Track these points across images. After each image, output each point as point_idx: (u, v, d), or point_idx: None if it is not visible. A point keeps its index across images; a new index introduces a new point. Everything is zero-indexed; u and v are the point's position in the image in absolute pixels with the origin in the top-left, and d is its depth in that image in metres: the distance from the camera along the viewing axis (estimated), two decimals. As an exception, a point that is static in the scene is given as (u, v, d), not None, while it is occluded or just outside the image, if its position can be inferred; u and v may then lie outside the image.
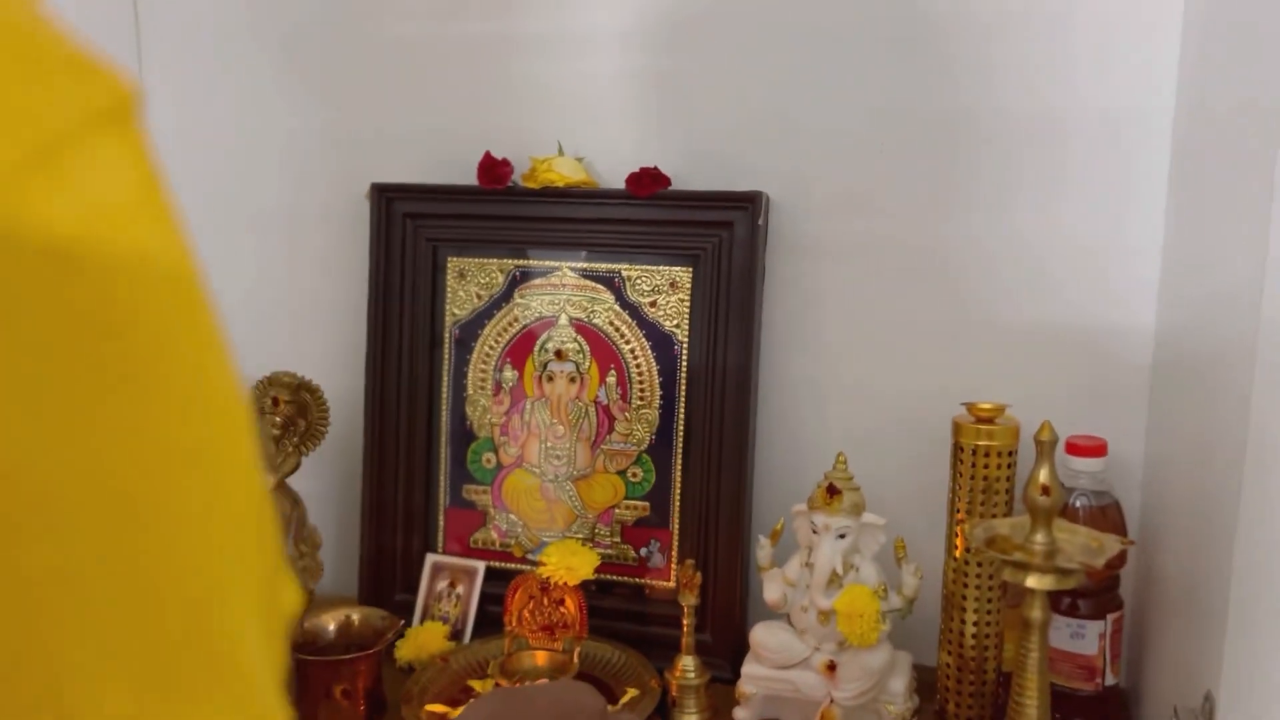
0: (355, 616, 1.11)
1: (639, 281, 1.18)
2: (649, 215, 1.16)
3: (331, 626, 1.10)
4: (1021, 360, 1.10)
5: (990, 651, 1.02)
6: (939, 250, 1.12)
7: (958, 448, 1.00)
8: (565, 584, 1.09)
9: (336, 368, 1.28)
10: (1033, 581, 0.85)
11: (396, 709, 1.05)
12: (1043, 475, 0.85)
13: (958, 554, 1.01)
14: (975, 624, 1.01)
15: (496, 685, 1.08)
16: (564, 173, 1.15)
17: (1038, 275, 1.10)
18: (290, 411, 1.20)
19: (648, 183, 1.13)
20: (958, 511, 1.01)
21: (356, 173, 1.24)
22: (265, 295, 1.32)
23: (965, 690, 1.02)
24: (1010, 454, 0.98)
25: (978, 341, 1.11)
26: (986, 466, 0.98)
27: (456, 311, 1.24)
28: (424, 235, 1.23)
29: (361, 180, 1.23)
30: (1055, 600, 1.00)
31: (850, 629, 0.98)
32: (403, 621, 1.09)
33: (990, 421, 0.98)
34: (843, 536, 1.01)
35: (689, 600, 1.06)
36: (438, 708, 1.05)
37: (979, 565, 1.00)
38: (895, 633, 1.03)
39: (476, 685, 1.10)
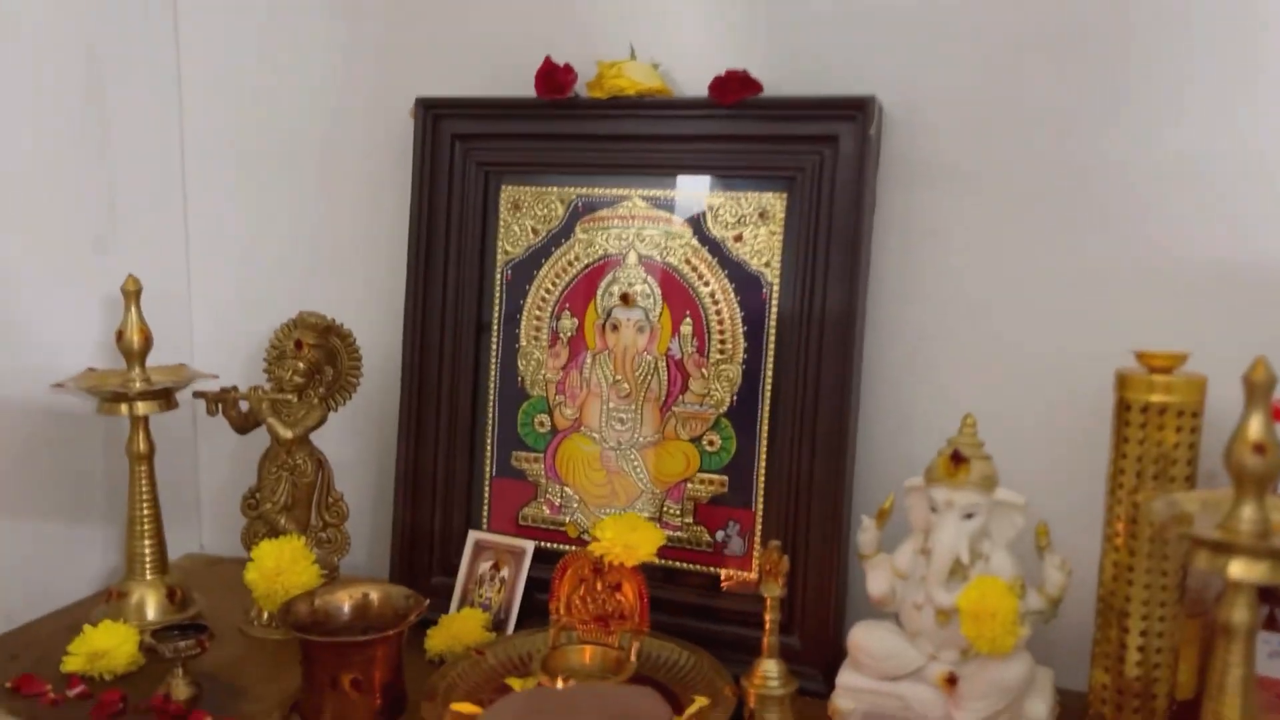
0: (375, 595, 0.93)
1: (722, 211, 0.99)
2: (735, 129, 0.97)
3: (346, 606, 0.92)
4: (1198, 307, 0.88)
5: (1162, 671, 0.80)
6: (1091, 172, 0.90)
7: (1123, 406, 0.78)
8: (623, 565, 0.90)
9: (374, 317, 1.12)
10: (1238, 570, 0.62)
11: (418, 707, 0.87)
12: (1254, 428, 0.63)
13: (1119, 543, 0.79)
14: (1142, 636, 0.79)
15: (538, 686, 0.90)
16: (636, 79, 0.97)
17: (1216, 202, 0.87)
18: (316, 357, 1.04)
19: (735, 88, 0.94)
20: (1120, 488, 0.79)
21: (400, 88, 1.08)
22: (299, 231, 1.17)
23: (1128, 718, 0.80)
24: (1194, 415, 0.76)
25: (1142, 284, 0.90)
26: (1162, 429, 0.76)
27: (509, 249, 1.06)
28: (474, 159, 1.06)
29: (405, 96, 1.07)
30: (1249, 608, 0.77)
31: (978, 632, 0.77)
32: (428, 601, 0.92)
33: (1167, 373, 0.77)
34: (970, 517, 0.80)
35: (773, 591, 0.86)
36: (465, 707, 0.87)
37: (1149, 559, 0.78)
38: (1034, 642, 0.81)
39: (515, 684, 0.92)
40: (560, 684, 0.86)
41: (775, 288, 0.97)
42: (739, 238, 0.98)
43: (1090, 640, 0.83)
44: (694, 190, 1.00)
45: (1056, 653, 0.85)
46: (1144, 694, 0.80)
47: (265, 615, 1.03)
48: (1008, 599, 0.76)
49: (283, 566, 0.98)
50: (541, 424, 1.06)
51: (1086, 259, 0.91)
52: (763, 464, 0.98)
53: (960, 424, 0.82)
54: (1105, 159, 0.90)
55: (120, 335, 0.99)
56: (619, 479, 1.03)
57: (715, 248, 0.99)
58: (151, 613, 1.01)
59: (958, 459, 0.80)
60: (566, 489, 1.05)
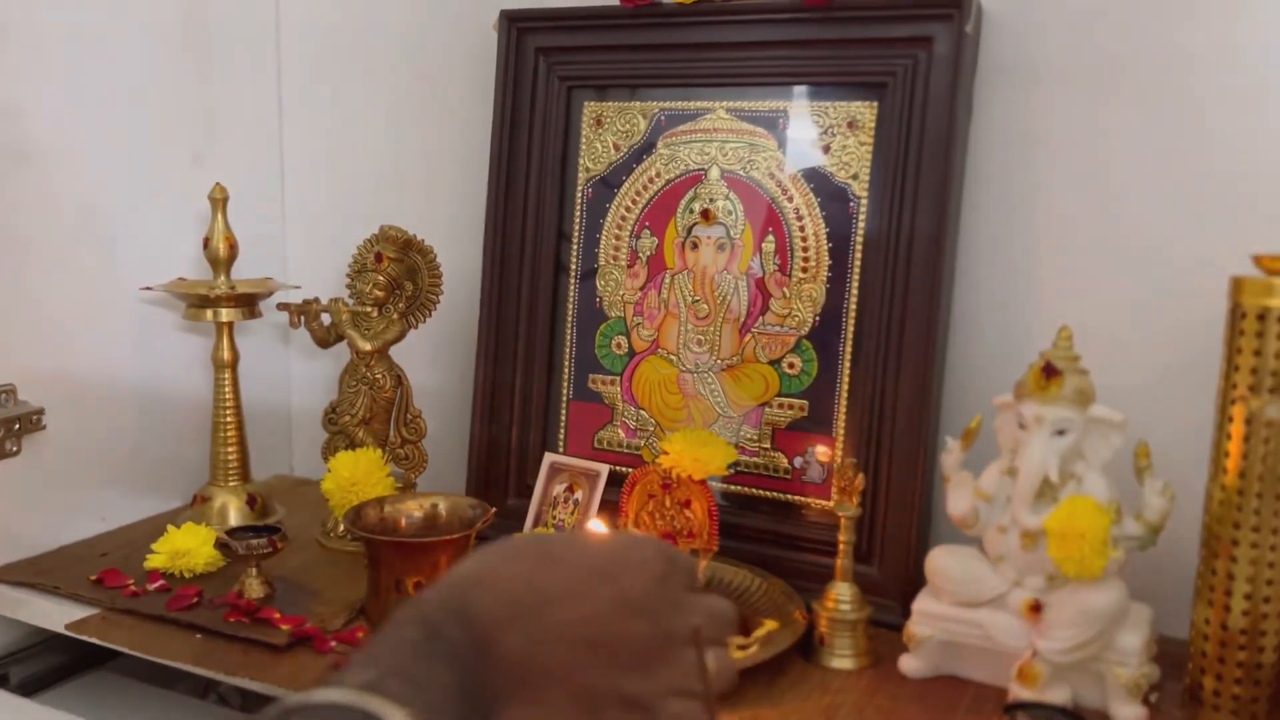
0: (443, 505, 0.93)
1: (809, 121, 0.94)
2: (824, 34, 0.92)
3: (415, 514, 0.92)
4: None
5: (1272, 620, 0.73)
6: (1205, 66, 0.83)
7: (1238, 314, 0.71)
8: (692, 481, 0.87)
9: (458, 239, 1.12)
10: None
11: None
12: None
13: (1228, 464, 0.72)
14: (1251, 574, 0.72)
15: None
16: (720, -17, 0.94)
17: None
18: (396, 272, 1.04)
19: (823, -12, 0.90)
20: (1231, 404, 0.72)
21: (489, 2, 1.07)
22: (388, 147, 1.17)
23: (1232, 662, 0.73)
24: (1319, 323, 0.69)
25: (1260, 186, 0.81)
26: (1281, 338, 0.69)
27: (590, 166, 1.04)
28: (557, 74, 1.04)
29: (492, 9, 1.05)
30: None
31: (1065, 554, 0.71)
32: (494, 510, 0.91)
33: (1290, 276, 0.69)
34: (1061, 434, 0.75)
35: (847, 510, 0.82)
36: (527, 618, 0.85)
37: (1261, 482, 0.71)
38: (1132, 575, 0.75)
39: (581, 601, 0.90)
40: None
41: (863, 201, 0.93)
42: (826, 149, 0.94)
43: (1193, 578, 0.76)
44: (780, 100, 0.96)
45: (1156, 590, 0.78)
46: (1252, 635, 0.73)
47: (341, 527, 1.03)
48: (1099, 518, 0.71)
49: (358, 477, 0.98)
50: (619, 346, 1.03)
51: (1199, 162, 0.84)
52: (845, 388, 0.94)
53: (1055, 336, 0.77)
54: (1219, 52, 0.83)
55: (207, 243, 1.00)
56: (695, 403, 1.00)
57: (801, 160, 0.95)
58: (232, 518, 1.03)
59: (1050, 371, 0.75)
60: (642, 413, 1.03)
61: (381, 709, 0.38)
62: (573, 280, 1.05)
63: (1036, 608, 0.75)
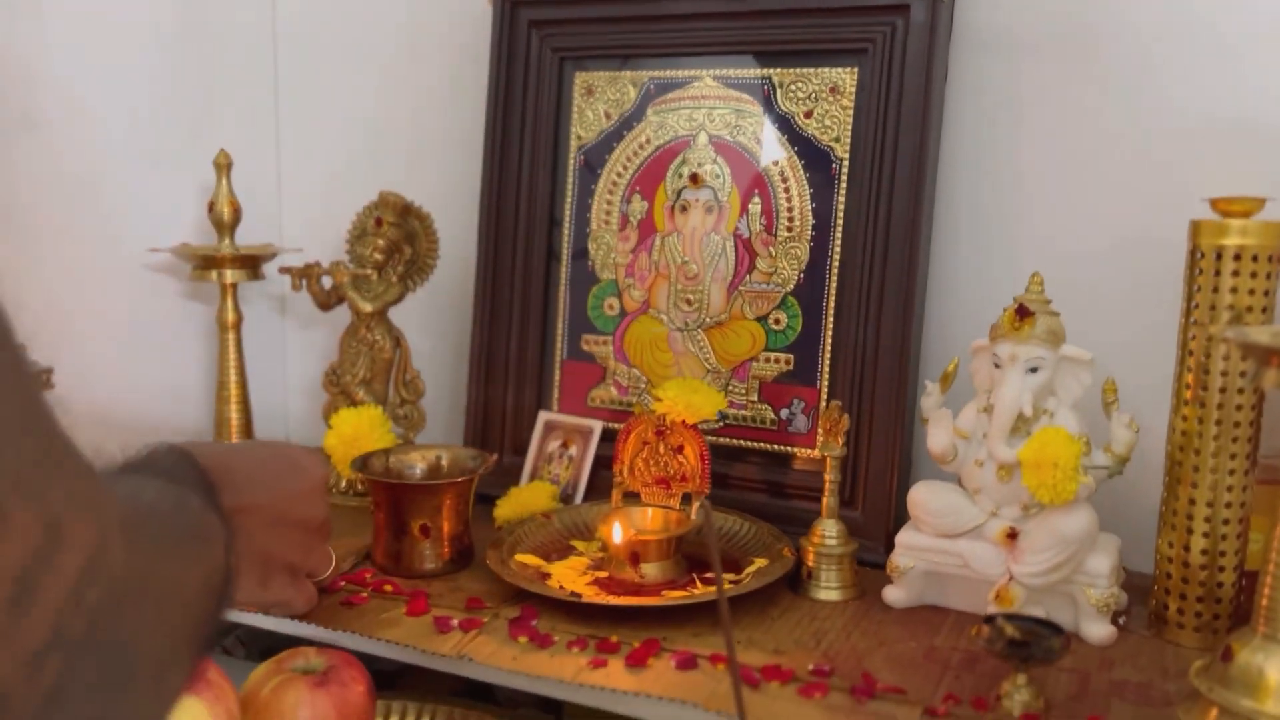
0: (445, 456, 0.97)
1: (793, 87, 0.99)
2: (806, 4, 0.97)
3: (419, 465, 0.96)
4: (1275, 159, 0.85)
5: (1230, 543, 0.78)
6: (1162, 31, 0.88)
7: (1196, 254, 0.76)
8: (685, 427, 0.91)
9: (454, 205, 1.15)
10: (1307, 384, 0.61)
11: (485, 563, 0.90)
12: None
13: (1188, 396, 0.77)
14: (1210, 498, 0.77)
15: (602, 547, 0.92)
16: (708, -45, 0.98)
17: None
18: (396, 236, 1.08)
19: (806, -41, 0.94)
20: (1191, 340, 0.77)
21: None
22: (383, 117, 1.21)
23: (1195, 583, 0.78)
24: (1270, 260, 0.74)
25: (1222, 148, 0.87)
26: (1237, 275, 0.74)
27: (582, 134, 1.08)
28: (550, 45, 1.08)
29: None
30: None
31: (1039, 481, 0.76)
32: (495, 457, 0.94)
33: (1244, 218, 0.75)
34: (1034, 371, 0.79)
35: (832, 450, 0.87)
36: (529, 558, 0.89)
37: (1219, 410, 0.76)
38: (1101, 509, 0.80)
39: (580, 545, 0.94)
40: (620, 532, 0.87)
41: (845, 163, 0.97)
42: (809, 114, 0.99)
43: (1157, 513, 0.81)
44: (764, 68, 1.00)
45: (1127, 532, 0.83)
46: (1211, 564, 0.78)
47: (344, 483, 1.07)
48: (1070, 447, 0.75)
49: (360, 433, 1.01)
50: (611, 307, 1.07)
51: (1158, 120, 0.89)
52: (828, 342, 0.98)
53: (1028, 281, 0.82)
54: (1174, 22, 0.88)
55: (211, 207, 1.04)
56: (686, 359, 1.04)
57: (785, 125, 0.99)
58: (237, 475, 1.06)
59: (1023, 313, 0.80)
60: (634, 370, 1.07)
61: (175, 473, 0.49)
62: (566, 244, 1.09)
63: (1013, 535, 0.80)
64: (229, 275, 1.03)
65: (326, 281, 1.09)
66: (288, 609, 0.67)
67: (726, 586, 0.83)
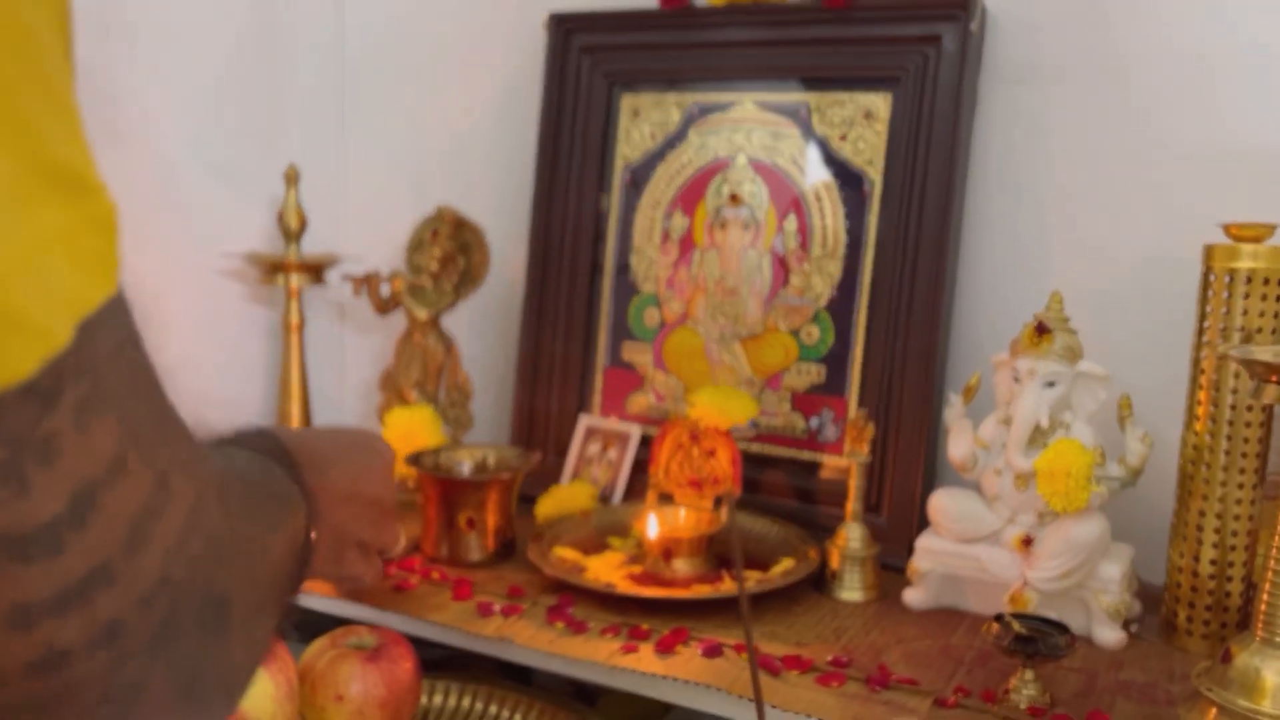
0: (492, 455, 1.02)
1: (829, 112, 1.04)
2: (843, 33, 1.02)
3: (466, 463, 1.02)
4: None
5: (1238, 555, 0.81)
6: (1177, 61, 0.92)
7: (1209, 276, 0.80)
8: (718, 432, 0.96)
9: (504, 218, 1.21)
10: (1303, 400, 0.64)
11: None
12: (1324, 265, 0.65)
13: (1200, 412, 0.81)
14: (1219, 516, 0.81)
15: (637, 544, 0.97)
16: (750, -14, 1.04)
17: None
18: (450, 248, 1.14)
19: (843, -9, 0.99)
20: (1203, 359, 0.80)
21: (537, 3, 1.17)
22: (442, 135, 1.27)
23: (1203, 592, 0.81)
24: None
25: (1237, 175, 0.90)
26: (1247, 297, 0.78)
27: (628, 153, 1.14)
28: (600, 69, 1.14)
29: (541, 10, 1.16)
30: (1333, 481, 0.78)
31: (1052, 489, 0.80)
32: (539, 455, 1.00)
33: (1255, 242, 0.78)
34: (1051, 385, 0.83)
35: (859, 457, 0.91)
36: (568, 552, 0.94)
37: (1230, 426, 0.79)
38: (1116, 520, 0.83)
39: (615, 542, 0.99)
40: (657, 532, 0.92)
41: (877, 185, 1.02)
42: (844, 137, 1.03)
43: (1169, 525, 0.85)
44: (802, 93, 1.05)
45: (1140, 543, 0.87)
46: (1219, 574, 0.81)
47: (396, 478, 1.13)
48: (1083, 457, 0.79)
49: (413, 432, 1.07)
50: (651, 317, 1.13)
51: (1175, 144, 0.93)
52: (858, 355, 1.03)
53: (1048, 300, 0.86)
54: (1190, 49, 0.92)
55: (280, 217, 1.11)
56: (721, 369, 1.09)
57: (821, 148, 1.04)
58: (296, 469, 1.12)
59: (1042, 329, 0.84)
60: (672, 378, 1.12)
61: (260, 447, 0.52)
62: (610, 257, 1.15)
63: (1027, 541, 0.84)
64: (294, 280, 1.10)
65: (385, 289, 1.15)
66: (358, 582, 0.71)
67: (754, 584, 0.87)
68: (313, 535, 0.53)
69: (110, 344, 0.31)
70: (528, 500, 1.05)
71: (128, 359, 0.33)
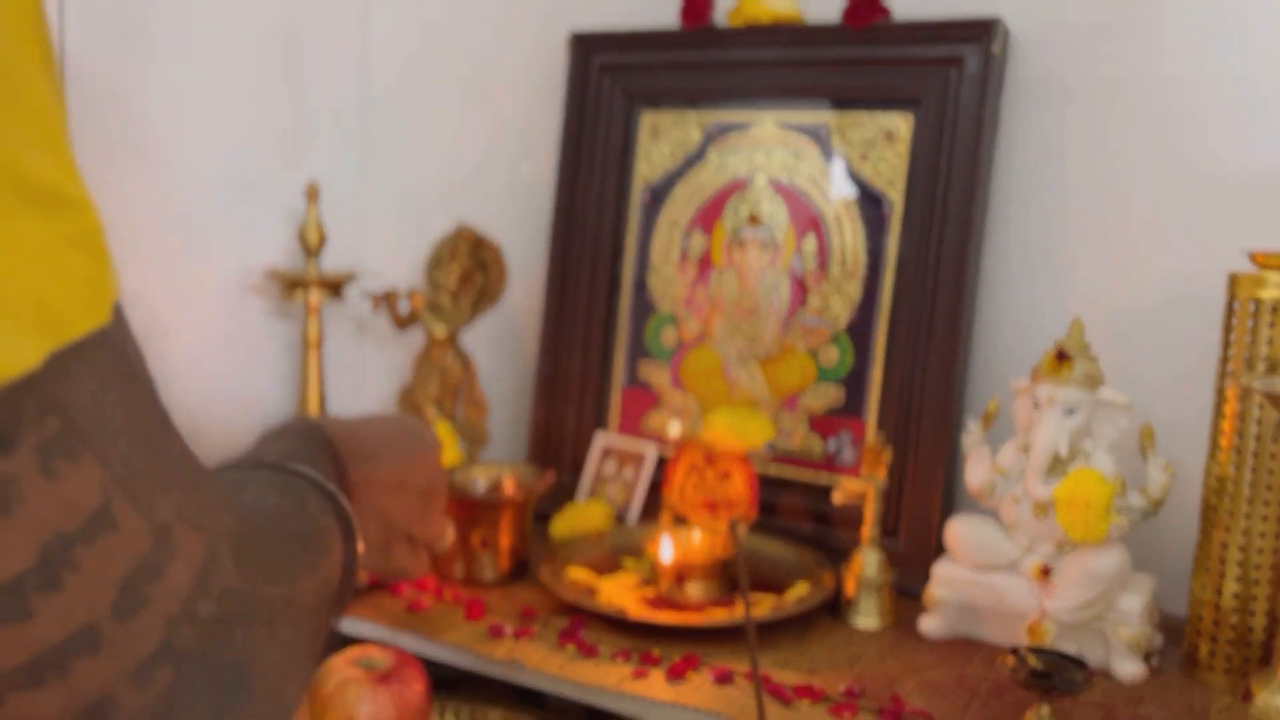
0: (507, 474, 1.02)
1: (849, 132, 1.03)
2: (864, 54, 1.01)
3: (482, 481, 1.02)
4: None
5: (1261, 589, 0.79)
6: (1200, 86, 0.91)
7: (1234, 305, 0.79)
8: (733, 454, 0.95)
9: (522, 236, 1.21)
10: (1327, 436, 0.63)
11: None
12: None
13: (1223, 443, 0.79)
14: (1243, 543, 0.79)
15: (650, 565, 0.96)
16: (771, 7, 1.03)
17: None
18: (469, 265, 1.14)
19: (865, 12, 0.99)
20: (1228, 386, 0.79)
21: (557, 21, 1.17)
22: (462, 153, 1.28)
23: (1226, 626, 0.80)
24: (1306, 313, 0.76)
25: (1263, 201, 0.89)
26: (1272, 327, 0.76)
27: (647, 172, 1.14)
28: (620, 88, 1.14)
29: (561, 30, 1.16)
30: (1360, 515, 0.76)
31: (1071, 519, 0.79)
32: (553, 473, 1.00)
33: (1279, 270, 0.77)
34: (1071, 413, 0.82)
35: (876, 481, 0.90)
36: (581, 573, 0.94)
37: (1255, 458, 0.78)
38: (1138, 551, 0.82)
39: (629, 563, 0.99)
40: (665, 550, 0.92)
41: (898, 206, 1.01)
42: (864, 158, 1.03)
43: (1192, 556, 0.83)
44: (823, 113, 1.04)
45: (1163, 573, 0.86)
46: (1243, 601, 0.79)
47: (410, 496, 1.13)
48: (1102, 487, 0.78)
49: (428, 449, 1.07)
50: (668, 336, 1.12)
51: (1200, 172, 0.92)
52: (877, 377, 1.02)
53: (1069, 326, 0.84)
54: (1215, 72, 0.91)
55: (301, 233, 1.11)
56: (738, 390, 1.08)
57: (841, 168, 1.04)
58: (313, 484, 1.12)
59: (1062, 357, 0.82)
60: (690, 397, 1.11)
61: (298, 468, 0.51)
62: (628, 277, 1.14)
63: (1046, 571, 0.83)
64: (314, 296, 1.10)
65: (404, 305, 1.15)
66: (406, 575, 0.69)
67: (767, 610, 0.87)
68: (365, 536, 0.52)
69: (94, 380, 0.27)
70: (543, 517, 1.05)
71: (118, 397, 0.29)
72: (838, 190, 1.04)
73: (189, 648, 0.30)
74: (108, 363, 0.28)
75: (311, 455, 0.54)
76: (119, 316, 0.30)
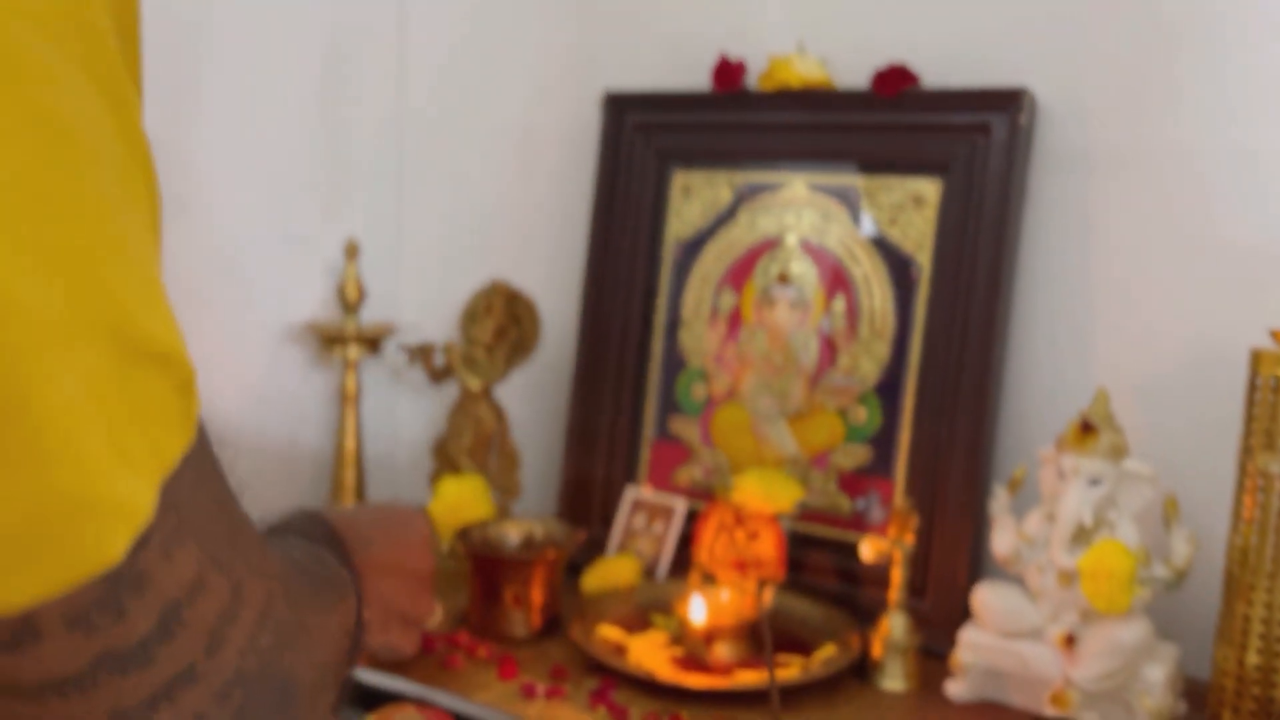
0: (539, 530, 1.04)
1: (879, 196, 1.05)
2: (894, 120, 1.03)
3: (514, 536, 1.04)
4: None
5: (1288, 657, 0.80)
6: (1230, 159, 0.92)
7: (1255, 382, 0.80)
8: (762, 514, 0.97)
9: (555, 290, 1.24)
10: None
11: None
12: (1372, 389, 0.65)
13: (1247, 516, 0.80)
14: (1266, 615, 0.80)
15: (680, 624, 0.98)
16: (802, 73, 1.05)
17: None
18: (504, 320, 1.17)
19: (895, 80, 1.01)
20: (1250, 463, 0.80)
21: (590, 83, 1.20)
22: (497, 209, 1.31)
23: (1248, 697, 0.81)
24: (1329, 392, 0.77)
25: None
26: (1295, 405, 0.77)
27: (679, 230, 1.16)
28: (653, 148, 1.16)
29: (595, 90, 1.19)
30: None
31: (1095, 590, 0.80)
32: (585, 533, 1.02)
33: (1303, 349, 0.78)
34: (1096, 484, 0.83)
35: (903, 546, 0.92)
36: (612, 630, 0.96)
37: (1276, 534, 0.79)
38: (1160, 623, 0.83)
39: (659, 620, 1.00)
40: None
41: (926, 270, 1.03)
42: (893, 222, 1.04)
43: (1215, 624, 0.84)
44: (853, 176, 1.06)
45: (1184, 633, 0.86)
46: (1265, 672, 0.80)
47: (445, 546, 1.15)
48: (1125, 560, 0.79)
49: (463, 501, 1.10)
50: (698, 392, 1.14)
51: (1225, 248, 0.93)
52: (906, 438, 1.03)
53: (1094, 396, 0.86)
54: (1240, 145, 0.92)
55: (340, 289, 1.14)
56: (767, 447, 1.10)
57: (870, 230, 1.06)
58: (349, 534, 1.15)
59: (1087, 428, 0.84)
60: (719, 454, 1.13)
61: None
62: (659, 332, 1.17)
63: (1070, 640, 0.84)
64: (352, 351, 1.13)
65: (439, 358, 1.18)
66: (399, 653, 0.75)
67: (795, 673, 0.88)
68: (365, 615, 0.56)
69: (190, 483, 0.34)
70: (572, 568, 1.07)
71: (206, 490, 0.36)
72: (866, 253, 1.06)
73: (253, 671, 0.37)
74: (197, 465, 0.35)
75: (317, 533, 0.60)
76: (198, 425, 0.36)
